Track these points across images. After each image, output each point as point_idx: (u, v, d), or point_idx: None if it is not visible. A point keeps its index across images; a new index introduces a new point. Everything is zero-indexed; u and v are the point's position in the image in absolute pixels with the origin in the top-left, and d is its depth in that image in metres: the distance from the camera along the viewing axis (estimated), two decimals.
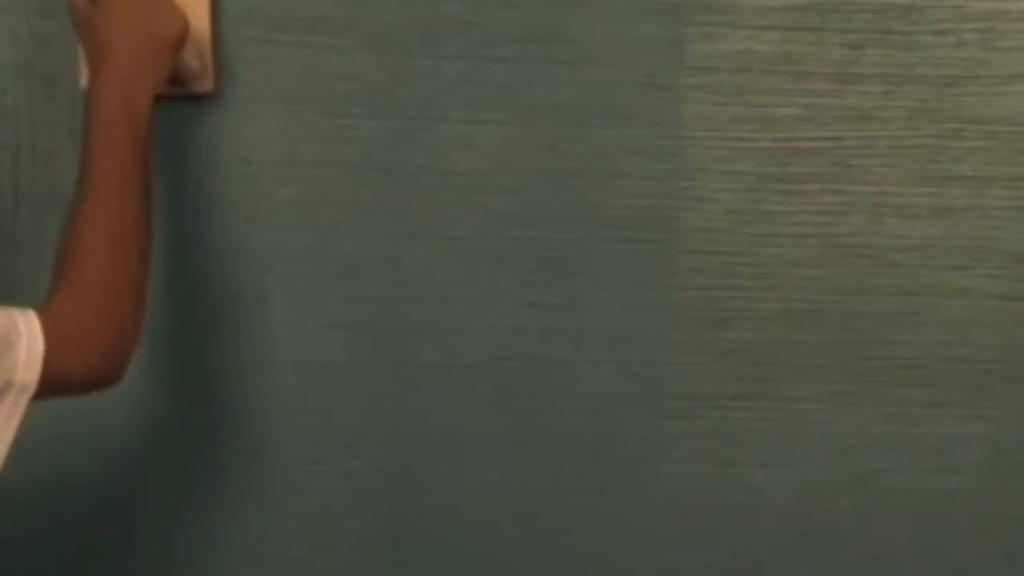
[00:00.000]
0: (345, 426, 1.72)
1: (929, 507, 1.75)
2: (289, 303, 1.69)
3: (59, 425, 1.65)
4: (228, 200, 1.67)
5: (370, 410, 1.72)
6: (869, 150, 1.70)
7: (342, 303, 1.70)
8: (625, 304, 1.71)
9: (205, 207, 1.67)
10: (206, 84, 1.64)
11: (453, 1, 1.66)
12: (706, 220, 1.70)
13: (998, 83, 1.68)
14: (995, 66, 1.68)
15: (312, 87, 1.66)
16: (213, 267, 1.68)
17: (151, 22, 1.53)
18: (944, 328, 1.73)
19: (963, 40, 1.68)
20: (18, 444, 1.31)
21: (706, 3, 1.66)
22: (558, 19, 1.66)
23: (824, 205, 1.70)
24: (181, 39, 1.57)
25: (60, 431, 1.66)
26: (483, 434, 1.72)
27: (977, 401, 1.74)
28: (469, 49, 1.66)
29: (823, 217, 1.70)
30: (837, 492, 1.74)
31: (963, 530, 1.75)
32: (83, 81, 1.57)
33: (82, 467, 1.71)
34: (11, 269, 1.65)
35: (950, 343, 1.73)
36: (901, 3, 1.67)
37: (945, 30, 1.68)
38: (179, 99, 1.62)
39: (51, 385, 1.34)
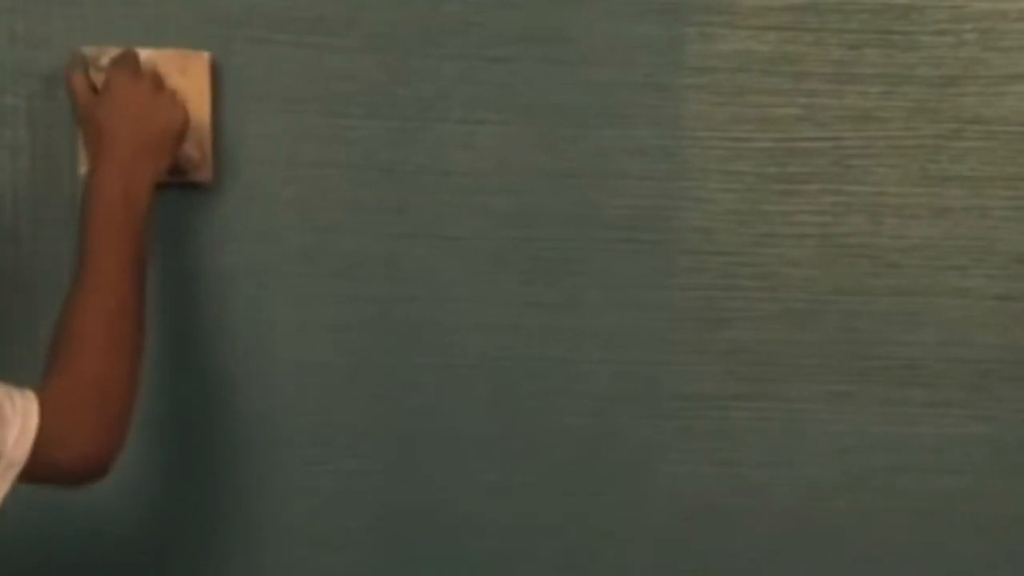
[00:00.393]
0: (345, 426, 1.72)
1: (929, 507, 1.75)
2: (289, 303, 1.69)
3: None
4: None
5: (370, 410, 1.72)
6: (868, 150, 1.70)
7: (342, 303, 1.69)
8: (624, 304, 1.71)
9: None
10: (205, 173, 1.65)
11: (453, 1, 1.66)
12: (705, 220, 1.70)
13: (997, 83, 1.69)
14: (994, 66, 1.68)
15: (312, 87, 1.66)
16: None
17: (153, 114, 1.55)
18: (944, 328, 1.73)
19: (962, 40, 1.68)
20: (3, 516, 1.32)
21: (706, 3, 1.66)
22: (558, 19, 1.66)
23: (823, 205, 1.70)
24: (182, 131, 1.59)
25: None
26: (483, 434, 1.72)
27: (977, 401, 1.74)
28: (469, 49, 1.66)
29: (823, 217, 1.71)
30: (837, 492, 1.75)
31: (963, 530, 1.75)
32: (82, 168, 1.59)
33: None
34: (11, 269, 1.65)
35: (950, 343, 1.73)
36: (900, 3, 1.67)
37: (944, 30, 1.68)
38: (177, 187, 1.63)
39: (40, 467, 1.34)
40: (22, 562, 1.68)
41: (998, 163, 1.70)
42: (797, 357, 1.73)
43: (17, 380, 1.62)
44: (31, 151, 1.64)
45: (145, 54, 1.60)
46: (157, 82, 1.58)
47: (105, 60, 1.59)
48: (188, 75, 1.62)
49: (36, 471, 1.34)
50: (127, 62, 1.57)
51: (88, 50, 1.60)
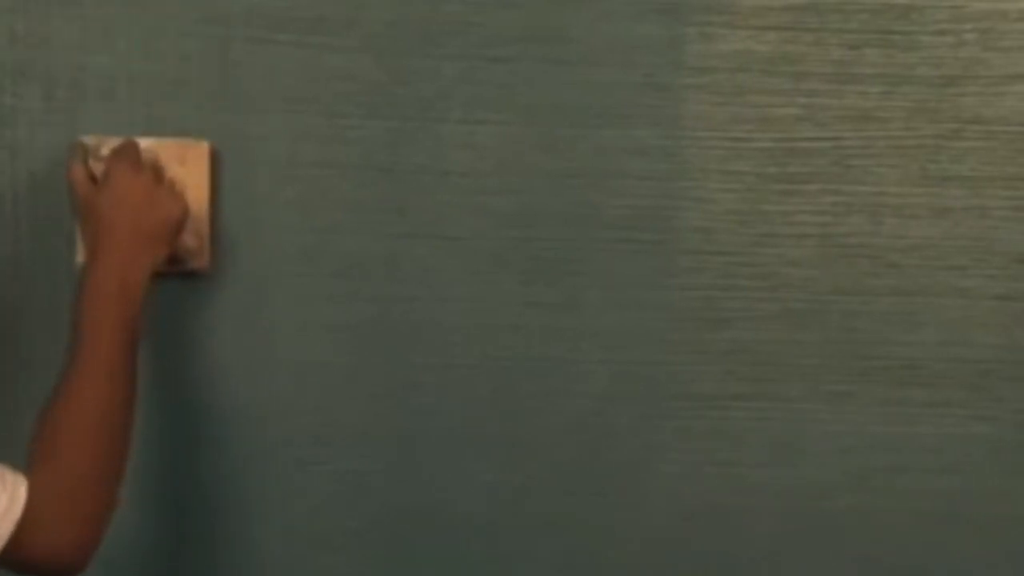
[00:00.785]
0: (345, 426, 1.71)
1: (929, 507, 1.75)
2: (289, 303, 1.69)
3: None
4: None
5: (370, 410, 1.72)
6: (868, 150, 1.70)
7: (342, 303, 1.69)
8: (624, 304, 1.71)
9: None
10: (202, 261, 1.65)
11: (453, 1, 1.66)
12: (705, 220, 1.70)
13: (997, 83, 1.69)
14: (994, 66, 1.69)
15: (312, 87, 1.66)
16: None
17: (152, 207, 1.55)
18: (943, 328, 1.73)
19: (962, 40, 1.68)
20: None
21: (706, 3, 1.67)
22: (558, 19, 1.66)
23: (823, 205, 1.70)
24: (181, 223, 1.59)
25: None
26: (483, 434, 1.72)
27: (977, 401, 1.74)
28: (469, 49, 1.67)
29: (822, 217, 1.71)
30: (837, 492, 1.75)
31: (963, 530, 1.75)
32: (80, 257, 1.59)
33: None
34: (11, 269, 1.65)
35: (950, 343, 1.73)
36: (900, 3, 1.68)
37: (944, 30, 1.68)
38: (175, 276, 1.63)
39: (14, 552, 1.34)
40: None
41: (998, 163, 1.70)
42: (797, 357, 1.73)
43: (14, 379, 1.64)
44: (31, 151, 1.64)
45: (145, 144, 1.60)
46: (157, 173, 1.58)
47: (105, 150, 1.59)
48: (187, 164, 1.62)
49: (10, 555, 1.34)
50: (127, 153, 1.57)
51: (88, 139, 1.61)
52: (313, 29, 1.65)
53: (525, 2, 1.66)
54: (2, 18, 1.62)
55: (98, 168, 1.58)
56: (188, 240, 1.62)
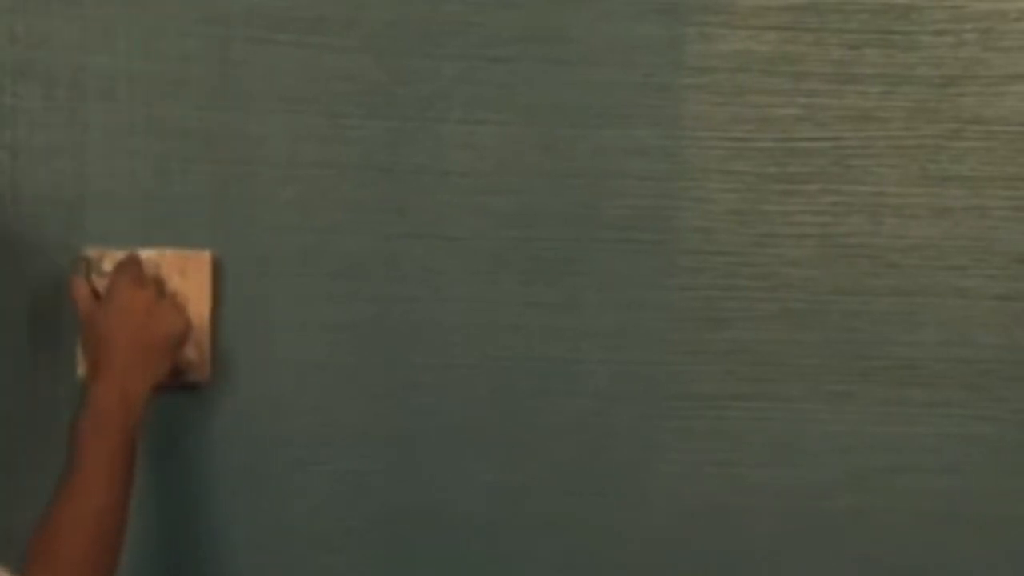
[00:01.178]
0: (345, 426, 1.71)
1: (929, 507, 1.75)
2: (289, 303, 1.69)
3: None
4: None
5: (370, 410, 1.71)
6: (868, 150, 1.70)
7: (342, 303, 1.69)
8: (624, 304, 1.71)
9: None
10: (202, 374, 1.65)
11: (453, 1, 1.66)
12: (705, 220, 1.70)
13: (997, 83, 1.69)
14: (994, 66, 1.69)
15: (312, 87, 1.66)
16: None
17: (154, 323, 1.56)
18: (944, 328, 1.73)
19: (962, 40, 1.68)
20: None
21: (706, 3, 1.67)
22: (558, 19, 1.66)
23: (823, 205, 1.70)
24: (183, 340, 1.60)
25: None
26: (483, 434, 1.72)
27: (977, 401, 1.74)
28: (469, 49, 1.67)
29: (823, 217, 1.71)
30: (837, 492, 1.74)
31: (963, 530, 1.75)
32: (80, 369, 1.59)
33: None
34: (11, 269, 1.65)
35: (950, 343, 1.73)
36: (900, 3, 1.68)
37: (944, 30, 1.68)
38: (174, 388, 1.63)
39: None
40: None
41: (998, 163, 1.70)
42: (797, 357, 1.73)
43: (14, 379, 1.64)
44: (31, 151, 1.64)
45: (146, 255, 1.61)
46: (159, 288, 1.59)
47: (108, 264, 1.60)
48: (189, 276, 1.63)
49: None
50: (129, 268, 1.58)
51: (91, 252, 1.61)
52: (313, 29, 1.65)
53: (525, 2, 1.66)
54: (2, 18, 1.62)
55: (100, 283, 1.59)
56: (189, 353, 1.62)
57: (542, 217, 1.70)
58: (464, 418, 1.72)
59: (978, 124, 1.69)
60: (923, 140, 1.70)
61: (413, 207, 1.69)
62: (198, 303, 1.64)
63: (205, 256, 1.64)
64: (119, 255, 1.61)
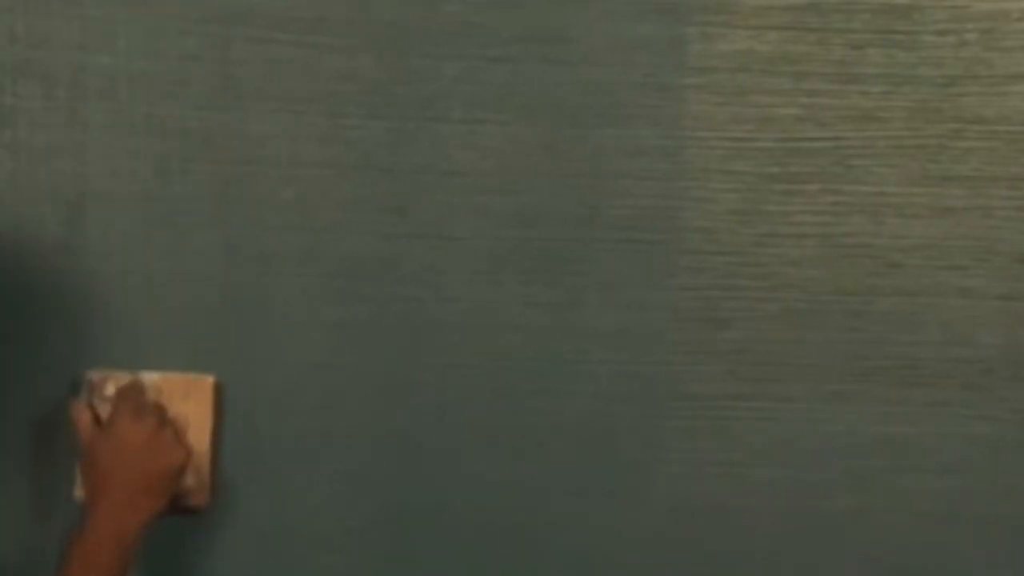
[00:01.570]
0: (345, 426, 1.72)
1: (929, 507, 1.75)
2: (289, 303, 1.69)
3: None
4: None
5: (370, 410, 1.72)
6: (870, 150, 1.69)
7: (342, 303, 1.70)
8: (625, 304, 1.71)
9: None
10: (200, 500, 1.60)
11: (453, 1, 1.66)
12: (706, 220, 1.70)
13: (999, 83, 1.68)
14: (996, 66, 1.68)
15: (312, 87, 1.66)
16: None
17: (153, 459, 1.52)
18: (945, 328, 1.73)
19: (964, 40, 1.68)
20: None
21: (706, 3, 1.66)
22: (558, 19, 1.66)
23: (824, 205, 1.70)
24: (182, 471, 1.55)
25: None
26: (483, 434, 1.72)
27: (978, 401, 1.74)
28: (469, 49, 1.66)
29: (823, 217, 1.70)
30: (837, 492, 1.74)
31: (963, 530, 1.75)
32: (78, 492, 1.55)
33: None
34: (11, 269, 1.65)
35: (951, 343, 1.73)
36: (902, 3, 1.67)
37: (946, 30, 1.67)
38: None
39: None
40: None
41: (1000, 163, 1.70)
42: (797, 357, 1.73)
43: (14, 379, 1.64)
44: (31, 151, 1.64)
45: (149, 379, 1.56)
46: (160, 416, 1.54)
47: (111, 387, 1.55)
48: (191, 401, 1.57)
49: None
50: (131, 397, 1.54)
51: (93, 375, 1.56)
52: (313, 29, 1.65)
53: (525, 2, 1.66)
54: (2, 18, 1.62)
55: (102, 408, 1.54)
56: (188, 480, 1.57)
57: (543, 217, 1.70)
58: (464, 418, 1.72)
59: (980, 124, 1.69)
60: (925, 140, 1.69)
61: (413, 207, 1.69)
62: (199, 429, 1.57)
63: (208, 381, 1.58)
64: (122, 378, 1.56)
